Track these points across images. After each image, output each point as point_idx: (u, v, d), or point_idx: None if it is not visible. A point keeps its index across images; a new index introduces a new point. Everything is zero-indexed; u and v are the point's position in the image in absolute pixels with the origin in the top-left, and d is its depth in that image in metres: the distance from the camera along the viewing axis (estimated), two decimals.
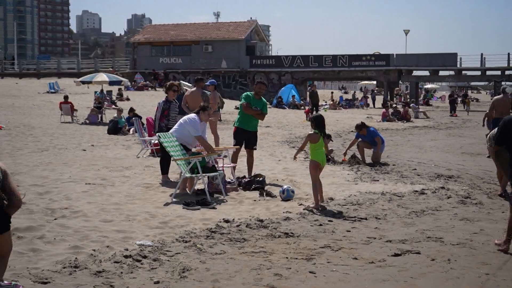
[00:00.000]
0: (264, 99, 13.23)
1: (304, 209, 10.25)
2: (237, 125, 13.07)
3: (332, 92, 59.98)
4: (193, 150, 12.05)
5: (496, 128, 8.71)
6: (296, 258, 7.46)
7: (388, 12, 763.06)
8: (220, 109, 21.28)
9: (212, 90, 17.74)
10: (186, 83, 17.53)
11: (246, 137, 12.93)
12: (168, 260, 7.25)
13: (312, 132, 10.63)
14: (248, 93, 13.15)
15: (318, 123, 10.61)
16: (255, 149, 13.27)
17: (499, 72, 56.28)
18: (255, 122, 13.07)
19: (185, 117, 12.07)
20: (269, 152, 18.61)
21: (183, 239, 8.18)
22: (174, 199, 10.87)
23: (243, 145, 13.01)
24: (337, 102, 51.96)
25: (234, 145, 13.08)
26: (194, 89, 16.63)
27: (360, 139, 16.82)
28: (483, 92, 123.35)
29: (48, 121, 28.47)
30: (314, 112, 35.46)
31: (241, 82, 58.70)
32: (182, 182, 11.55)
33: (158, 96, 44.67)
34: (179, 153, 11.51)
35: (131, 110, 24.79)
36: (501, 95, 17.85)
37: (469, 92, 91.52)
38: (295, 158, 11.35)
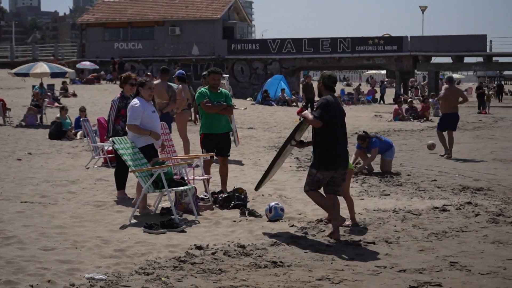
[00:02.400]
0: (223, 90, 13.33)
1: (297, 225, 10.30)
2: (203, 131, 13.10)
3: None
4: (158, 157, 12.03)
5: None
6: None
7: None
8: (192, 107, 21.24)
9: (180, 83, 17.73)
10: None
11: (216, 142, 12.95)
12: None
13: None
14: (201, 89, 13.30)
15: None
16: (229, 155, 13.31)
17: None
18: (223, 121, 13.11)
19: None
20: (253, 160, 18.63)
21: (144, 270, 8.15)
22: (132, 221, 10.83)
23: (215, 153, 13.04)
24: (338, 96, 52.09)
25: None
26: (158, 81, 16.62)
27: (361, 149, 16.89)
28: None
29: None
30: (309, 110, 35.63)
31: None
32: (143, 199, 11.52)
33: (112, 91, 44.58)
34: (139, 162, 11.47)
35: (82, 109, 24.71)
36: None
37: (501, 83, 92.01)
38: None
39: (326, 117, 9.92)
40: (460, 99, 20.31)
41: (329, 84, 10.26)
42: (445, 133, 20.25)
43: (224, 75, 17.24)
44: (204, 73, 16.79)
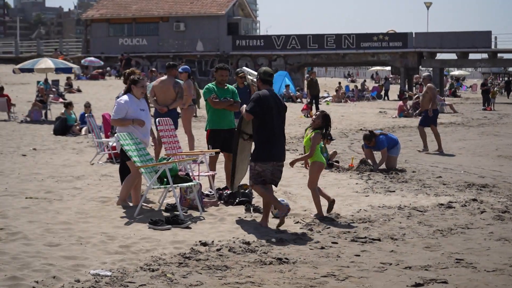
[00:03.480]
0: (230, 86, 13.35)
1: (302, 221, 10.30)
2: (210, 127, 13.11)
3: (339, 83, 59.96)
4: (164, 154, 12.04)
5: None
6: None
7: None
8: (196, 103, 21.24)
9: (185, 79, 17.69)
10: (250, 71, 17.14)
11: (223, 138, 12.93)
12: None
13: (317, 132, 11.23)
14: (209, 85, 13.26)
15: (327, 121, 11.34)
16: None
17: None
18: (230, 117, 13.13)
19: None
20: None
21: (149, 267, 8.15)
22: (138, 217, 10.83)
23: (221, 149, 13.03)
24: (343, 93, 52.07)
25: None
26: (164, 77, 16.57)
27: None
28: None
29: None
30: (313, 106, 35.58)
31: None
32: (125, 192, 11.61)
33: (117, 87, 44.57)
34: (144, 159, 11.47)
35: (87, 105, 24.71)
36: None
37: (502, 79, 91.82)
38: (292, 165, 11.43)
39: (258, 111, 10.35)
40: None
41: (265, 78, 10.68)
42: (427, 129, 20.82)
43: (252, 71, 16.83)
44: (168, 63, 16.87)
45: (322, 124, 11.26)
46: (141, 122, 11.73)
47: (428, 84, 20.58)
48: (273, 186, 10.71)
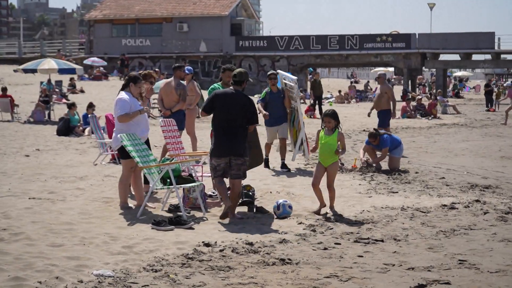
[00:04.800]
0: None
1: (305, 222, 10.32)
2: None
3: (349, 86, 59.83)
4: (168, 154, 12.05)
5: None
6: None
7: None
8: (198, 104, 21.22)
9: (189, 80, 17.68)
10: (287, 74, 16.54)
11: None
12: None
13: (339, 131, 11.58)
14: (214, 85, 13.27)
15: (337, 117, 11.64)
16: None
17: None
18: None
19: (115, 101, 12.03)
20: None
21: (152, 267, 8.16)
22: (141, 217, 10.84)
23: None
24: (346, 94, 52.04)
25: None
26: (169, 79, 16.56)
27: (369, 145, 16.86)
28: None
29: None
30: (317, 107, 35.58)
31: None
32: (152, 196, 11.56)
33: (120, 87, 44.54)
34: (147, 159, 11.48)
35: (90, 105, 24.72)
36: None
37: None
38: (337, 153, 11.67)
39: (208, 109, 11.19)
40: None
41: (234, 80, 11.30)
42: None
43: (288, 75, 16.33)
44: (174, 64, 16.83)
45: (336, 123, 11.54)
46: (147, 110, 12.04)
47: (383, 85, 20.55)
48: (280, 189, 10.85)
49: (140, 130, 11.83)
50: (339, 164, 16.52)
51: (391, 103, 20.71)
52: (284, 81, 16.49)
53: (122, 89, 11.95)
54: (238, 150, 11.05)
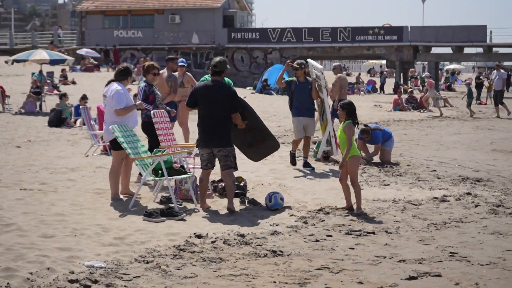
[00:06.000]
0: (226, 78, 13.22)
1: (296, 214, 10.31)
2: None
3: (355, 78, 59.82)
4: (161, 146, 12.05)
5: None
6: (286, 283, 7.46)
7: None
8: None
9: (183, 72, 17.59)
10: (316, 64, 15.41)
11: None
12: (124, 286, 7.22)
13: (349, 122, 11.22)
14: (205, 76, 13.21)
15: (351, 111, 11.33)
16: None
17: None
18: None
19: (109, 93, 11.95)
20: None
21: (143, 259, 8.16)
22: (132, 209, 10.84)
23: None
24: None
25: None
26: (161, 71, 16.49)
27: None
28: None
29: None
30: None
31: None
32: (115, 186, 11.61)
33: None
34: (138, 151, 11.47)
35: (83, 97, 24.64)
36: None
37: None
38: (341, 167, 11.36)
39: (191, 103, 11.38)
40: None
41: (213, 70, 11.29)
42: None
43: (317, 64, 15.27)
44: (168, 56, 16.68)
45: (349, 114, 11.29)
46: (141, 105, 12.01)
47: (339, 74, 19.69)
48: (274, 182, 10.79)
49: (132, 121, 11.84)
50: (362, 159, 16.36)
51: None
52: (314, 71, 15.71)
53: (115, 80, 11.91)
54: (219, 141, 11.07)
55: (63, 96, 25.49)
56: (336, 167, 15.60)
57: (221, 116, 11.08)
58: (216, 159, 11.24)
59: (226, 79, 13.26)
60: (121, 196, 11.71)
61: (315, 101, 15.74)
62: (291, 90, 15.41)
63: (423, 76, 56.55)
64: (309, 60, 16.19)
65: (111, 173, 11.72)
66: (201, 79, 13.35)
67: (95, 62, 55.73)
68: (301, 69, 15.24)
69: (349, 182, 11.22)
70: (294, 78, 15.51)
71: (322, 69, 15.31)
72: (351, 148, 11.09)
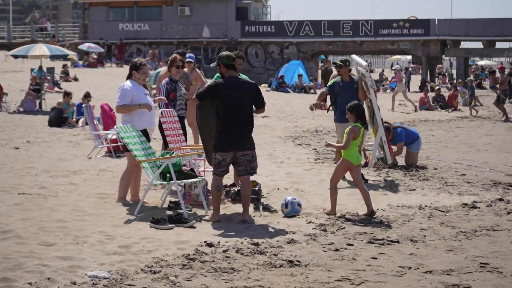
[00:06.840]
0: (243, 75, 13.18)
1: (315, 221, 10.30)
2: None
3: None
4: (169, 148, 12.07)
5: None
6: None
7: None
8: None
9: (191, 69, 17.62)
10: (361, 61, 14.42)
11: None
12: None
13: (356, 125, 11.30)
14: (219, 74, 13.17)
15: (359, 113, 11.40)
16: None
17: None
18: None
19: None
20: (267, 151, 18.60)
21: (150, 269, 8.17)
22: (138, 215, 10.85)
23: None
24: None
25: None
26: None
27: None
28: None
29: None
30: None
31: None
32: (123, 190, 11.65)
33: (117, 75, 44.60)
34: (146, 152, 11.49)
35: (87, 95, 24.71)
36: None
37: None
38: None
39: (203, 96, 10.83)
40: None
41: (228, 63, 10.95)
42: None
43: (362, 61, 14.47)
44: (176, 51, 16.60)
45: (357, 116, 11.36)
46: (148, 106, 11.85)
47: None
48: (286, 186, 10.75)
49: (148, 121, 11.87)
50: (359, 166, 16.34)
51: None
52: (359, 68, 14.95)
53: (128, 77, 11.99)
54: (246, 143, 10.90)
55: (66, 95, 25.54)
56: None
57: (248, 115, 10.94)
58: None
59: (243, 76, 13.25)
60: (127, 201, 11.74)
61: (364, 103, 14.56)
62: (335, 93, 14.60)
63: (451, 73, 56.55)
64: (353, 56, 15.69)
65: (123, 177, 11.74)
66: (216, 74, 13.25)
67: (98, 58, 55.80)
68: (345, 66, 14.54)
69: (357, 186, 11.51)
70: (337, 79, 14.76)
71: (368, 66, 14.74)
72: (348, 152, 11.25)
